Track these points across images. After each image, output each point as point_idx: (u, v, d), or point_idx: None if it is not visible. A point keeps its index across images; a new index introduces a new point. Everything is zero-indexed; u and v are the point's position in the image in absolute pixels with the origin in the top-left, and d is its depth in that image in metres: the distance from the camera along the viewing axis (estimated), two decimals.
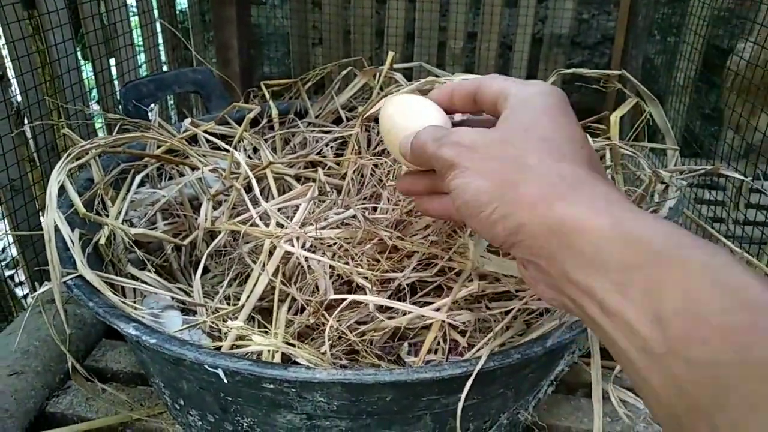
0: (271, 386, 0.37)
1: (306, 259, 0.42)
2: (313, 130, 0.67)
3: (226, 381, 0.38)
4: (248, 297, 0.44)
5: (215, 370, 0.37)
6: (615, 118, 0.44)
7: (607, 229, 0.24)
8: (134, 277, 0.49)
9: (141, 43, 1.04)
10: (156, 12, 1.06)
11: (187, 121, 0.62)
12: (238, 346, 0.41)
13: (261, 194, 0.47)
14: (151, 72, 1.05)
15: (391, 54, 0.63)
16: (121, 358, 0.66)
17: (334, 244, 0.42)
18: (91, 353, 0.67)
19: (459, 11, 1.34)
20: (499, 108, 0.32)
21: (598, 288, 0.24)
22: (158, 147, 0.58)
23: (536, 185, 0.27)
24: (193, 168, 0.57)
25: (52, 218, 0.47)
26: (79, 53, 0.91)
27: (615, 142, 0.46)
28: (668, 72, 1.23)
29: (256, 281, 0.44)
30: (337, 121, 0.70)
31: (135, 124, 0.57)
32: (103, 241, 0.47)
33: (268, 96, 0.65)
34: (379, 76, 0.64)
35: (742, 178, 0.46)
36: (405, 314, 0.40)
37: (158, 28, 1.07)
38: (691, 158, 1.20)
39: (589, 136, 0.43)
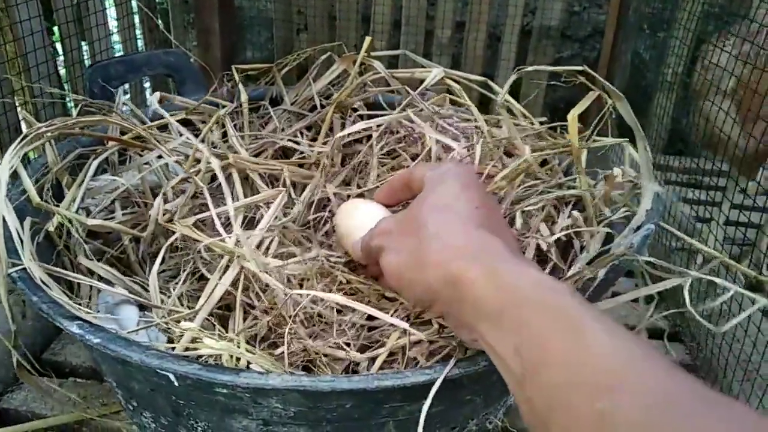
0: (224, 391, 0.35)
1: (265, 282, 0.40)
2: (289, 117, 0.65)
3: (177, 384, 0.36)
4: (206, 301, 0.41)
5: (165, 373, 0.35)
6: (573, 115, 0.43)
7: (483, 280, 0.29)
8: (89, 270, 0.46)
9: (116, 23, 1.00)
10: None
11: (156, 96, 0.59)
12: (193, 349, 0.39)
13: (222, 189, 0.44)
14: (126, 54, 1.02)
15: (367, 39, 0.60)
16: (81, 352, 0.63)
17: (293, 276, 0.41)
18: (50, 346, 0.64)
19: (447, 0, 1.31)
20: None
21: (481, 328, 0.29)
22: (122, 133, 0.55)
23: (435, 252, 0.32)
24: (159, 156, 0.54)
25: (0, 207, 0.44)
26: (56, 32, 0.87)
27: (575, 141, 0.44)
28: (657, 68, 1.21)
29: (213, 289, 0.41)
30: (314, 108, 0.67)
31: (97, 106, 0.54)
32: (52, 228, 0.44)
33: (238, 80, 0.62)
34: (356, 63, 0.61)
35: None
36: (369, 329, 0.38)
37: (134, 8, 1.03)
38: (675, 156, 1.19)
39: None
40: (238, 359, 0.37)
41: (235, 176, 0.48)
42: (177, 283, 0.43)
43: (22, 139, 0.44)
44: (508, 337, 0.28)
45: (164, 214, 0.45)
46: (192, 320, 0.39)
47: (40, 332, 0.63)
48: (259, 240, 0.43)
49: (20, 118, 0.75)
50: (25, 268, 0.41)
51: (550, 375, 0.26)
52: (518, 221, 0.47)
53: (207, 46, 1.30)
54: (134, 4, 1.03)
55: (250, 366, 0.36)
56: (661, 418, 0.22)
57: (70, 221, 0.46)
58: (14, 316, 0.47)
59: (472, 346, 0.35)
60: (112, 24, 1.00)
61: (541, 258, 0.46)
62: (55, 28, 0.90)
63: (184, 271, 0.43)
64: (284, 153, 0.61)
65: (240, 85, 0.61)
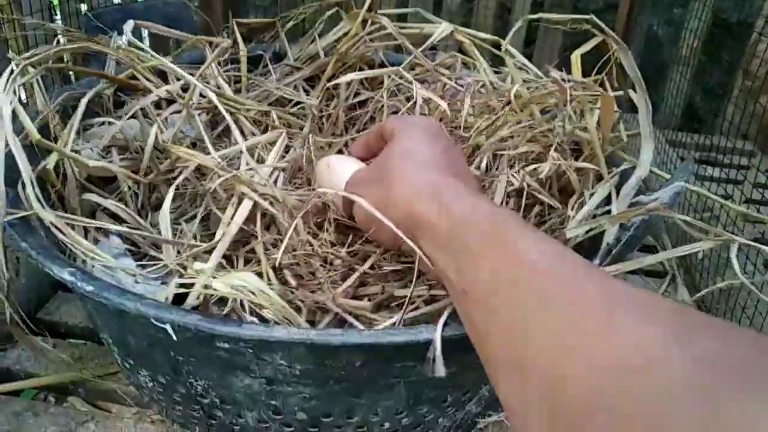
0: (226, 345, 0.33)
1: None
2: (291, 72, 0.62)
3: (175, 338, 0.33)
4: (222, 235, 0.39)
5: (162, 326, 0.33)
6: (576, 55, 0.41)
7: (438, 215, 0.32)
8: (93, 212, 0.44)
9: None
10: None
11: (130, 23, 0.53)
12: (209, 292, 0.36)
13: (220, 134, 0.41)
14: None
15: None
16: (77, 312, 0.61)
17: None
18: (45, 306, 0.62)
19: None
20: None
21: (437, 258, 0.32)
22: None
23: (399, 191, 0.35)
24: (159, 105, 0.52)
25: (1, 146, 0.41)
26: None
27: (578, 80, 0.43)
28: (673, 43, 1.18)
29: (230, 221, 0.39)
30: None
31: (87, 38, 0.51)
32: (51, 166, 0.41)
33: (238, 35, 0.59)
34: (362, 19, 0.59)
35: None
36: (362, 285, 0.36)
37: None
38: (690, 133, 1.16)
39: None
40: (260, 306, 0.34)
41: (232, 125, 0.45)
42: (187, 222, 0.40)
43: (10, 73, 0.41)
44: (453, 260, 0.30)
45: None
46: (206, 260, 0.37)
47: (35, 291, 0.61)
48: (267, 174, 0.41)
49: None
50: (19, 217, 0.39)
51: (483, 290, 0.28)
52: (483, 162, 0.47)
53: (208, 7, 1.26)
54: None
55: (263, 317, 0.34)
56: (582, 325, 0.23)
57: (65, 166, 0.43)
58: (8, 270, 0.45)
59: (435, 279, 0.37)
60: None
61: (540, 214, 0.45)
62: None
63: (197, 207, 0.40)
64: (281, 104, 0.59)
65: (238, 34, 0.58)
